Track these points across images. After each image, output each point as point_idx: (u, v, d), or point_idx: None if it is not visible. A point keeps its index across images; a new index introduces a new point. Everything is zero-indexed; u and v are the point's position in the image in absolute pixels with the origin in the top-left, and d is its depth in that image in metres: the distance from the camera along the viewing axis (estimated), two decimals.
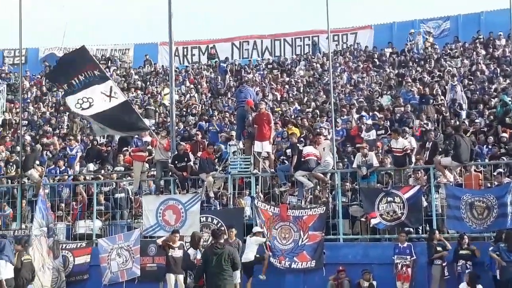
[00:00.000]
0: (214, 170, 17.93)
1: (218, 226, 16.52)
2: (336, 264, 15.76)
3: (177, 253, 15.07)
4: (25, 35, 19.54)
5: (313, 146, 17.68)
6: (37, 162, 20.39)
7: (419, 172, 17.14)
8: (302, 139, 20.57)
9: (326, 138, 18.62)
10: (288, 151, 18.93)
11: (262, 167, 17.94)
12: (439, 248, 15.14)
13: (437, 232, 15.50)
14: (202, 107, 28.58)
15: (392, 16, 52.01)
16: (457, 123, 20.70)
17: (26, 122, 27.41)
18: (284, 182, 17.67)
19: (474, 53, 29.97)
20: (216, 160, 19.10)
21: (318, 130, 20.34)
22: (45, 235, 16.88)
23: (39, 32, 53.52)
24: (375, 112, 23.31)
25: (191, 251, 15.00)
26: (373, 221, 16.30)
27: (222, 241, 12.88)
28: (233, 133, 20.95)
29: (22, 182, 19.24)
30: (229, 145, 19.94)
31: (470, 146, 16.62)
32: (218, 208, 17.81)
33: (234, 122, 23.41)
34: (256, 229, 15.94)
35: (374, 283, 15.37)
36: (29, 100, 31.67)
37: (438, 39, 34.41)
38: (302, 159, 17.19)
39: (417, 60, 30.91)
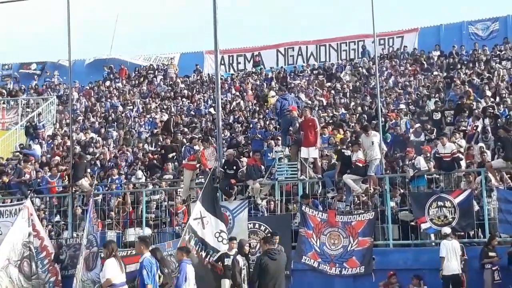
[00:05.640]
0: (261, 176, 17.95)
1: (266, 232, 16.49)
2: (386, 270, 15.58)
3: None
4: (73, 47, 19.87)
5: (357, 145, 17.51)
6: (89, 170, 20.71)
7: (471, 175, 16.89)
8: (350, 143, 20.44)
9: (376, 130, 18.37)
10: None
11: (309, 173, 17.89)
12: (491, 254, 14.87)
13: (496, 238, 15.23)
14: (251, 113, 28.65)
15: (439, 18, 51.43)
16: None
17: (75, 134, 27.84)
18: (332, 188, 17.60)
19: None
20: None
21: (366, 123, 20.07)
22: (84, 246, 17.03)
23: (86, 44, 54.44)
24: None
25: (239, 258, 14.98)
26: (423, 226, 16.08)
27: (275, 247, 12.87)
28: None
29: (73, 191, 19.54)
30: (275, 151, 19.92)
31: None
32: (266, 215, 17.81)
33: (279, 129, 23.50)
34: (445, 230, 15.25)
35: None
36: (78, 111, 32.25)
37: (487, 40, 33.82)
38: (353, 166, 17.12)
39: (465, 62, 30.43)
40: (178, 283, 13.01)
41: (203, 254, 15.76)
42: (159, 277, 12.67)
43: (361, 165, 17.15)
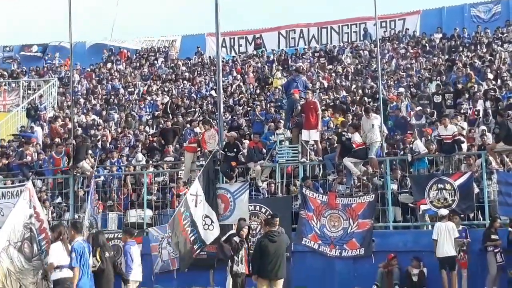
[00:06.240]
0: (262, 159, 17.98)
1: (266, 214, 16.53)
2: (386, 252, 15.67)
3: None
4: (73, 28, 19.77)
5: (352, 127, 17.51)
6: (90, 152, 20.73)
7: (471, 158, 16.91)
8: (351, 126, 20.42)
9: (376, 113, 18.41)
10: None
11: (309, 155, 17.92)
12: (494, 236, 14.93)
13: (498, 220, 15.28)
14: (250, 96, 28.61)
15: (441, 0, 51.06)
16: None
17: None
18: (333, 170, 17.63)
19: None
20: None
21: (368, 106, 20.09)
22: (86, 228, 17.04)
23: (85, 25, 54.18)
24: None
25: (236, 239, 14.99)
26: (423, 207, 16.12)
27: (275, 228, 12.90)
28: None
29: (74, 173, 19.59)
30: (276, 134, 19.93)
31: None
32: (266, 197, 17.86)
33: (280, 112, 23.51)
34: (442, 211, 15.27)
35: (425, 270, 15.26)
36: (80, 93, 32.24)
37: (489, 23, 33.68)
38: (353, 150, 17.14)
39: (467, 45, 30.34)
40: (127, 266, 13.45)
41: (188, 230, 15.81)
42: (97, 261, 12.85)
43: (355, 147, 17.14)
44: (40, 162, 22.07)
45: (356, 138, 17.19)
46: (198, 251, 16.22)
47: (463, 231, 15.19)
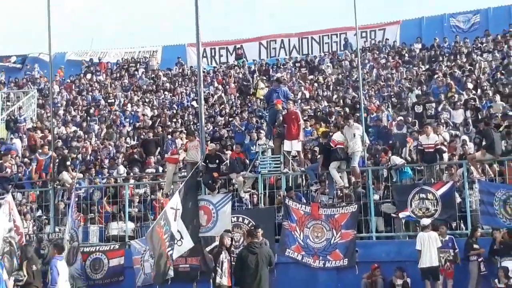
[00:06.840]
0: (244, 169, 17.91)
1: (249, 226, 16.44)
2: (369, 262, 15.64)
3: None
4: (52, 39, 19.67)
5: (340, 132, 17.49)
6: (68, 163, 20.50)
7: (453, 168, 16.95)
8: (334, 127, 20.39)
9: (358, 123, 18.41)
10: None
11: (292, 166, 17.88)
12: (476, 246, 14.96)
13: (479, 229, 15.31)
14: (231, 107, 28.51)
15: (420, 11, 51.56)
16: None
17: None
18: (316, 181, 17.59)
19: (506, 46, 29.46)
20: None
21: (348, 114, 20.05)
22: (67, 241, 16.84)
23: (65, 36, 53.80)
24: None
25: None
26: (401, 215, 16.10)
27: (257, 240, 12.81)
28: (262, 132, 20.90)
29: (55, 185, 19.38)
30: (258, 144, 19.88)
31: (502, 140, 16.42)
32: (249, 208, 17.77)
33: (261, 122, 23.47)
34: (424, 221, 15.25)
35: (409, 280, 15.25)
36: (59, 105, 31.97)
37: (468, 33, 33.96)
38: (332, 149, 17.12)
39: (447, 54, 30.53)
40: (52, 279, 13.35)
41: (167, 244, 15.62)
42: (24, 275, 12.71)
43: (342, 147, 17.12)
44: (19, 174, 21.80)
45: (336, 137, 17.16)
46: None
47: (449, 241, 15.20)
